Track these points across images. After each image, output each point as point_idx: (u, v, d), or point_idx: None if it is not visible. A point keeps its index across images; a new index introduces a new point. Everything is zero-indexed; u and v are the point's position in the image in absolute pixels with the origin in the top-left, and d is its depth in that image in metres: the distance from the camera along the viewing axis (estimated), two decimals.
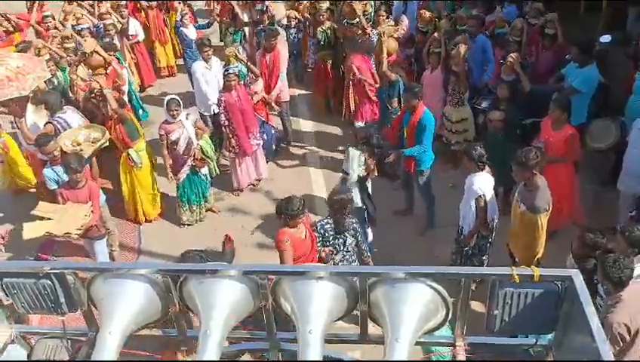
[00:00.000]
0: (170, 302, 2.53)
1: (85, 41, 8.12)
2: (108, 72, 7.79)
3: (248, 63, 7.76)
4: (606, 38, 7.28)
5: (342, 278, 2.40)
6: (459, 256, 5.77)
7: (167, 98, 6.83)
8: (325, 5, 8.84)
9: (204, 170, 7.12)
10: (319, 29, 8.81)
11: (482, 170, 5.38)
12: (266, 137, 8.01)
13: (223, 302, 2.40)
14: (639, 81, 6.33)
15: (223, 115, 7.22)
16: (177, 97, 6.83)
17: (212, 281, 2.43)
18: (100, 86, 7.03)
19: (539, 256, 5.20)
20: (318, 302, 2.33)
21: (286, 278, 2.45)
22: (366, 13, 8.54)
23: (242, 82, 7.53)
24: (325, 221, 5.20)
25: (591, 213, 6.27)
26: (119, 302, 2.43)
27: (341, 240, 5.16)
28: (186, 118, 6.84)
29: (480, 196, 5.32)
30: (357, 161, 5.89)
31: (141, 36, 10.05)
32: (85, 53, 7.70)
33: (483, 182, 5.36)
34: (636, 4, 8.61)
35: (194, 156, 6.89)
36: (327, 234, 5.13)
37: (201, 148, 6.94)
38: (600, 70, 6.65)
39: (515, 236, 5.34)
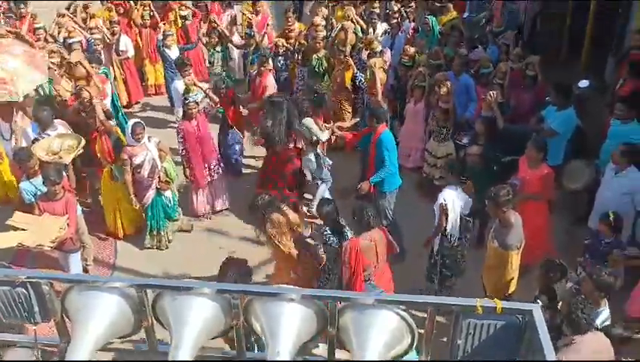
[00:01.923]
0: (143, 317, 2.57)
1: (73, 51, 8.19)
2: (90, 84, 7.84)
3: (207, 91, 7.85)
4: (584, 83, 7.55)
5: (312, 301, 2.47)
6: (432, 271, 6.01)
7: (130, 122, 6.81)
8: (322, 34, 8.97)
9: (168, 193, 7.13)
10: (314, 55, 8.93)
11: (456, 186, 5.72)
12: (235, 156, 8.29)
13: (194, 318, 2.44)
14: (614, 126, 6.52)
15: (180, 144, 7.19)
16: (141, 121, 6.89)
17: (185, 298, 2.48)
18: (90, 96, 7.05)
19: (509, 291, 5.31)
20: (287, 324, 2.39)
21: (258, 299, 2.50)
22: (375, 49, 8.57)
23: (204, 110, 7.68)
24: (323, 229, 5.43)
25: (563, 250, 6.40)
26: (92, 314, 2.47)
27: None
28: (149, 141, 6.85)
29: (442, 204, 5.63)
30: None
31: (131, 52, 10.14)
32: (70, 63, 7.76)
33: (449, 195, 5.66)
34: (615, 53, 8.96)
35: (159, 178, 6.93)
36: (330, 239, 5.36)
37: (165, 171, 6.98)
38: (577, 114, 6.87)
39: (488, 270, 5.46)
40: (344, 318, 2.46)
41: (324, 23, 9.24)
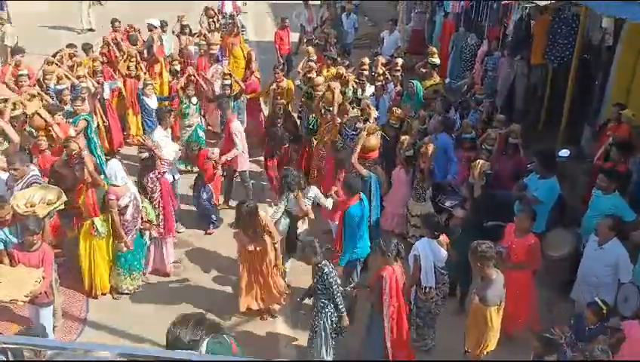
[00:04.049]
0: None
1: (30, 101, 7.96)
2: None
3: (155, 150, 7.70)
4: (565, 153, 7.70)
5: None
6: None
7: (113, 162, 6.68)
8: (320, 93, 8.86)
9: (146, 235, 7.01)
10: (312, 115, 9.06)
11: (432, 238, 5.83)
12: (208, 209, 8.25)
13: None
14: (596, 197, 6.59)
15: (156, 195, 7.16)
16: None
17: None
18: (79, 147, 6.87)
19: (487, 350, 5.35)
20: None
21: None
22: (371, 115, 8.43)
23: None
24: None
25: (545, 320, 6.35)
26: None
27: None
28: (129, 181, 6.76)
29: (415, 255, 5.77)
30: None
31: (118, 84, 10.11)
32: (26, 114, 7.58)
33: (422, 246, 5.82)
34: (591, 123, 9.25)
35: (141, 218, 6.80)
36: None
37: (146, 210, 6.88)
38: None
39: (469, 326, 5.50)
40: None
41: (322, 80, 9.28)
